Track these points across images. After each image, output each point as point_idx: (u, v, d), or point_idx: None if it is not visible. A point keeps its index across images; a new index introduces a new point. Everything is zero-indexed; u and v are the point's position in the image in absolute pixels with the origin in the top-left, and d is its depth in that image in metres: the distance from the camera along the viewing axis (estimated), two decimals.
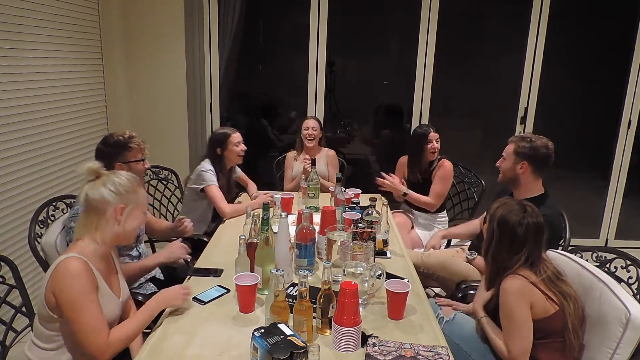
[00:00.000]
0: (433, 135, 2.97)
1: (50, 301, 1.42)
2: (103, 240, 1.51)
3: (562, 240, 2.23)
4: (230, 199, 2.86)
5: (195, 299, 1.72)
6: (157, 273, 2.30)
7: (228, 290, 1.80)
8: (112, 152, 2.05)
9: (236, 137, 2.81)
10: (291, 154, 3.41)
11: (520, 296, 1.59)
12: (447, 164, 3.00)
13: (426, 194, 3.01)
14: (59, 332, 1.47)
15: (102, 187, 1.50)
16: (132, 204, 1.53)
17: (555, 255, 1.87)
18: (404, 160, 3.20)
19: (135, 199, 1.55)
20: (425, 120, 3.93)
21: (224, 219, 2.65)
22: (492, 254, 1.72)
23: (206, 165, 2.75)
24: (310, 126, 3.25)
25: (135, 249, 2.20)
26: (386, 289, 1.64)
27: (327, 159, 3.37)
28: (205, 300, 1.71)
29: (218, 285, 1.82)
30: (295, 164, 3.35)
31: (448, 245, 3.01)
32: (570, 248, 2.05)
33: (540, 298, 1.60)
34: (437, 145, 2.98)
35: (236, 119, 4.18)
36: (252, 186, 3.04)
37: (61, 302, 1.39)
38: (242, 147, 2.83)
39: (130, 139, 2.08)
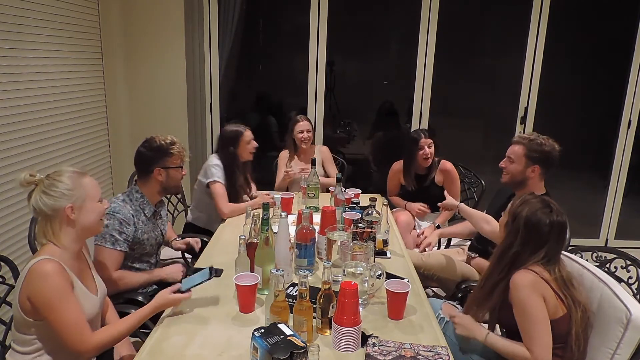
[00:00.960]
0: (424, 141, 2.95)
1: (26, 306, 1.41)
2: (64, 244, 1.48)
3: None
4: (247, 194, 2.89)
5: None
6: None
7: (216, 274, 1.79)
8: (153, 156, 2.06)
9: (248, 134, 2.81)
10: (285, 154, 3.39)
11: (532, 289, 1.54)
12: (449, 166, 2.99)
13: (426, 198, 3.02)
14: (35, 336, 1.46)
15: (42, 194, 1.46)
16: (79, 200, 1.49)
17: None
18: (397, 166, 3.19)
19: (81, 193, 1.49)
20: (426, 120, 3.93)
21: (223, 218, 2.66)
22: (515, 252, 1.64)
23: (214, 160, 2.75)
24: (305, 129, 3.23)
25: (154, 255, 2.21)
26: (386, 289, 1.64)
27: (320, 156, 3.37)
28: (184, 290, 1.60)
29: (209, 268, 1.70)
30: (291, 165, 3.32)
31: (448, 245, 3.02)
32: (570, 248, 2.04)
33: (552, 296, 1.56)
34: (429, 150, 2.96)
35: (235, 119, 4.18)
36: (252, 186, 3.05)
37: (38, 304, 1.38)
38: (254, 144, 2.84)
39: (172, 144, 2.09)
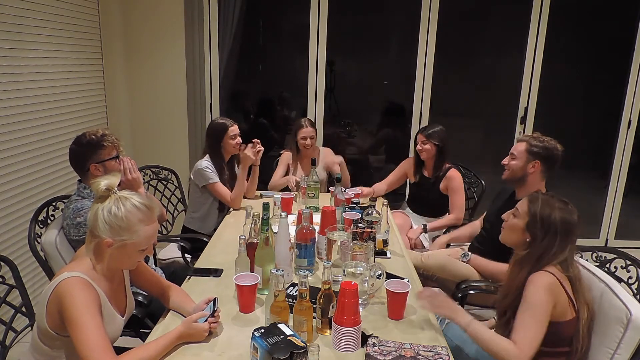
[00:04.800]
0: (419, 137, 2.99)
1: (53, 318, 1.36)
2: (97, 264, 1.43)
3: None
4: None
5: None
6: (160, 273, 2.30)
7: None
8: (85, 152, 1.97)
9: (233, 129, 2.82)
10: (287, 155, 3.35)
11: (549, 292, 1.52)
12: (454, 174, 2.95)
13: (425, 202, 3.00)
14: (54, 349, 1.42)
15: (100, 211, 1.37)
16: (122, 242, 1.39)
17: None
18: (409, 161, 3.19)
19: (129, 237, 1.39)
20: (426, 120, 3.92)
21: (234, 208, 2.76)
22: (554, 253, 1.59)
23: (204, 162, 2.77)
24: (308, 136, 3.16)
25: None
26: (386, 289, 1.64)
27: (325, 160, 3.31)
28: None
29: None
30: (292, 168, 3.30)
31: (448, 245, 3.01)
32: None
33: (564, 300, 1.55)
34: (422, 147, 2.96)
35: (236, 119, 4.17)
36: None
37: (65, 320, 1.33)
38: (238, 140, 2.84)
39: (103, 137, 1.99)
